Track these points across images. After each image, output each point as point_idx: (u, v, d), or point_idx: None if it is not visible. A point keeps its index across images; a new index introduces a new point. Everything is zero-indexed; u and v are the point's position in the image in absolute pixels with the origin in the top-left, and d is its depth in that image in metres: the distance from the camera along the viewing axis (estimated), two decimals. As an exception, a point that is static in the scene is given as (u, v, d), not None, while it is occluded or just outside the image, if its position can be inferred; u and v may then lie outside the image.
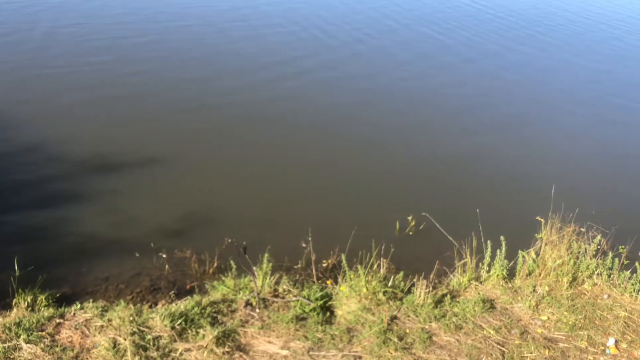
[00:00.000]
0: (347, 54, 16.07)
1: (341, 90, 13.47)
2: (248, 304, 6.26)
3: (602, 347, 6.25)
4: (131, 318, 5.73)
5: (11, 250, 6.75)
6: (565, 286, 7.12)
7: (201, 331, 5.69)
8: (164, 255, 7.13)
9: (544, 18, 23.10)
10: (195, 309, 6.01)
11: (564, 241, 7.30)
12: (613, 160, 11.69)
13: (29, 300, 6.06)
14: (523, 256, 7.38)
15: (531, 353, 6.01)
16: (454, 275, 7.25)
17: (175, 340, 5.55)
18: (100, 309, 5.95)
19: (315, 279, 6.97)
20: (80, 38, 14.63)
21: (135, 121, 10.79)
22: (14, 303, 6.02)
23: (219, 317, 6.03)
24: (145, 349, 5.37)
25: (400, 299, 6.59)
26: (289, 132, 11.06)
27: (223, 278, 6.80)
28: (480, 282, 7.18)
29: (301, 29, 17.58)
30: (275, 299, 6.41)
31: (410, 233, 8.39)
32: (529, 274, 7.37)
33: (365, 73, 14.80)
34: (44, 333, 5.48)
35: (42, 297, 6.15)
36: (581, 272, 7.32)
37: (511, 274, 7.31)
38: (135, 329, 5.58)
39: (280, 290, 6.63)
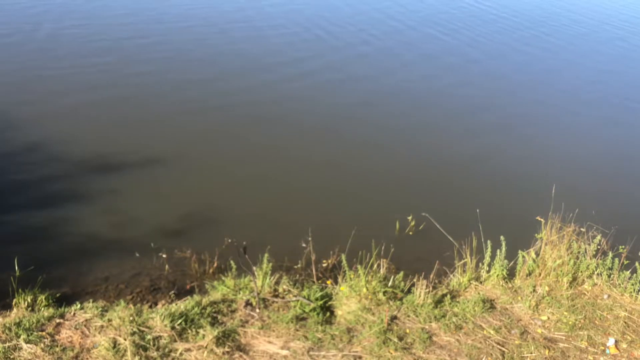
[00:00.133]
0: (349, 55, 16.06)
1: (342, 90, 13.46)
2: (248, 304, 6.26)
3: (602, 347, 6.25)
4: (131, 318, 5.73)
5: (11, 250, 6.76)
6: (565, 286, 7.12)
7: (201, 331, 5.70)
8: (164, 255, 7.14)
9: (548, 18, 23.10)
10: (195, 309, 6.01)
11: (564, 241, 7.31)
12: (613, 161, 11.69)
13: (29, 300, 6.06)
14: (523, 256, 7.38)
15: (531, 353, 6.01)
16: (454, 275, 7.25)
17: (175, 340, 5.55)
18: (100, 309, 5.96)
19: (315, 279, 6.97)
20: (82, 39, 14.60)
21: (137, 121, 10.78)
22: (14, 303, 6.03)
23: (219, 317, 6.04)
24: (145, 349, 5.37)
25: (400, 299, 6.59)
26: (289, 133, 11.05)
27: (223, 278, 6.80)
28: (480, 282, 7.18)
29: (304, 30, 17.54)
30: (275, 299, 6.41)
31: (410, 233, 8.39)
32: (529, 274, 7.37)
33: (366, 73, 14.78)
34: (44, 333, 5.48)
35: (42, 297, 6.16)
36: (581, 272, 7.32)
37: (511, 274, 7.32)
38: (135, 329, 5.58)
39: (280, 290, 6.63)
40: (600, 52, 19.64)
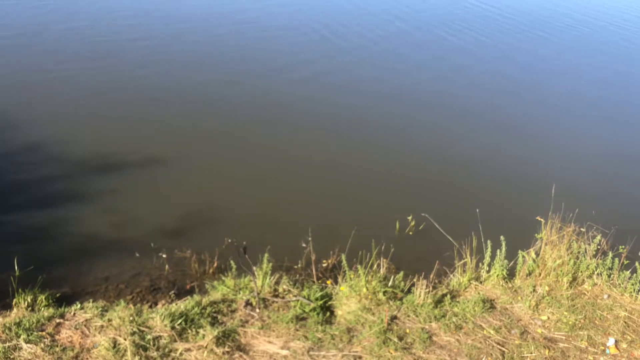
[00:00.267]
0: (349, 55, 16.07)
1: (341, 90, 13.46)
2: (248, 304, 6.26)
3: (602, 347, 6.25)
4: (131, 318, 5.73)
5: (11, 250, 6.75)
6: (565, 286, 7.12)
7: (201, 331, 5.70)
8: (164, 255, 7.14)
9: (551, 19, 23.12)
10: (195, 309, 6.01)
11: (564, 241, 7.31)
12: (613, 161, 11.69)
13: (29, 300, 6.06)
14: (523, 256, 7.38)
15: (531, 353, 6.01)
16: (454, 275, 7.25)
17: (175, 340, 5.55)
18: (100, 309, 5.95)
19: (315, 279, 6.97)
20: (82, 39, 14.62)
21: (137, 121, 10.78)
22: (14, 303, 6.02)
23: (219, 317, 6.03)
24: (145, 349, 5.37)
25: (400, 299, 6.59)
26: (289, 133, 11.06)
27: (223, 278, 6.80)
28: (480, 282, 7.18)
29: (310, 31, 17.59)
30: (275, 299, 6.41)
31: (410, 233, 8.39)
32: (529, 274, 7.37)
33: (366, 74, 14.79)
34: (44, 333, 5.48)
35: (42, 297, 6.15)
36: (581, 272, 7.32)
37: (511, 274, 7.32)
38: (135, 329, 5.58)
39: (280, 290, 6.63)
40: (603, 52, 19.66)
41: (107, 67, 13.01)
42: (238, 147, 10.32)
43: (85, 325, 5.68)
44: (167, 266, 7.15)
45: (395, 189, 9.61)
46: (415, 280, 6.77)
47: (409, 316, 6.36)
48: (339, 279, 6.90)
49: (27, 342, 5.31)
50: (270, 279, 6.67)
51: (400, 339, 5.96)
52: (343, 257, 6.87)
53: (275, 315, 6.13)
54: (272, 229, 8.12)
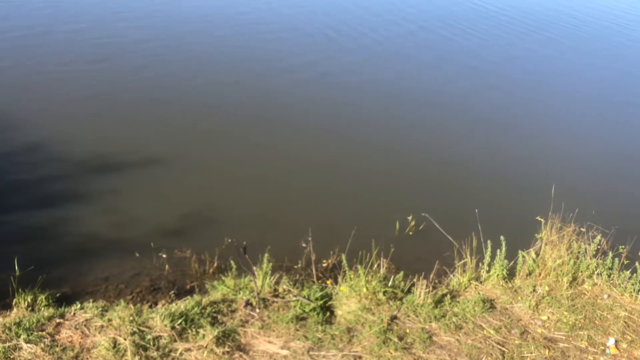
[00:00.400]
0: (348, 55, 16.06)
1: (341, 90, 13.46)
2: (248, 303, 6.26)
3: (602, 347, 6.25)
4: (131, 318, 5.73)
5: (11, 250, 6.75)
6: (565, 286, 7.12)
7: (201, 331, 5.70)
8: (164, 255, 7.14)
9: (555, 19, 23.12)
10: (195, 309, 6.01)
11: (564, 241, 7.31)
12: (614, 161, 11.68)
13: (29, 300, 6.06)
14: (523, 256, 7.38)
15: (531, 353, 6.01)
16: (454, 275, 7.25)
17: (175, 340, 5.55)
18: (100, 309, 5.96)
19: (315, 279, 6.97)
20: (83, 39, 14.63)
21: (137, 121, 10.78)
22: (14, 303, 6.02)
23: (219, 317, 6.03)
24: (145, 349, 5.37)
25: (400, 299, 6.59)
26: (289, 133, 11.06)
27: (223, 278, 6.80)
28: (480, 282, 7.17)
29: (311, 31, 17.58)
30: (275, 299, 6.41)
31: (410, 233, 8.39)
32: (529, 274, 7.37)
33: (366, 74, 14.79)
34: (44, 333, 5.48)
35: (42, 297, 6.15)
36: (581, 272, 7.32)
37: (511, 274, 7.32)
38: (135, 329, 5.58)
39: (280, 290, 6.63)
40: (605, 52, 19.66)
41: (108, 68, 13.02)
42: (238, 147, 10.32)
43: (85, 325, 5.68)
44: (167, 266, 7.15)
45: (395, 189, 9.61)
46: (415, 280, 6.77)
47: (409, 316, 6.36)
48: (339, 279, 6.90)
49: (27, 342, 5.31)
50: (270, 279, 6.67)
51: (400, 339, 5.96)
52: (343, 257, 6.87)
53: (275, 315, 6.13)
54: (272, 229, 8.12)
